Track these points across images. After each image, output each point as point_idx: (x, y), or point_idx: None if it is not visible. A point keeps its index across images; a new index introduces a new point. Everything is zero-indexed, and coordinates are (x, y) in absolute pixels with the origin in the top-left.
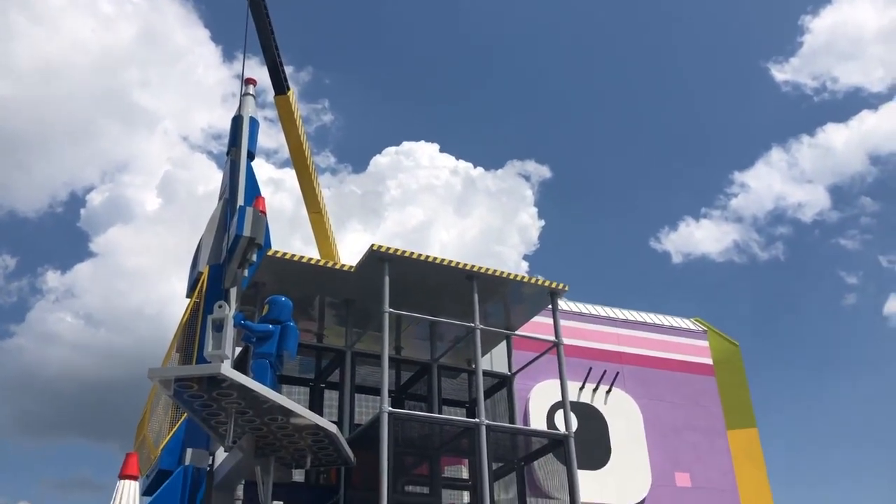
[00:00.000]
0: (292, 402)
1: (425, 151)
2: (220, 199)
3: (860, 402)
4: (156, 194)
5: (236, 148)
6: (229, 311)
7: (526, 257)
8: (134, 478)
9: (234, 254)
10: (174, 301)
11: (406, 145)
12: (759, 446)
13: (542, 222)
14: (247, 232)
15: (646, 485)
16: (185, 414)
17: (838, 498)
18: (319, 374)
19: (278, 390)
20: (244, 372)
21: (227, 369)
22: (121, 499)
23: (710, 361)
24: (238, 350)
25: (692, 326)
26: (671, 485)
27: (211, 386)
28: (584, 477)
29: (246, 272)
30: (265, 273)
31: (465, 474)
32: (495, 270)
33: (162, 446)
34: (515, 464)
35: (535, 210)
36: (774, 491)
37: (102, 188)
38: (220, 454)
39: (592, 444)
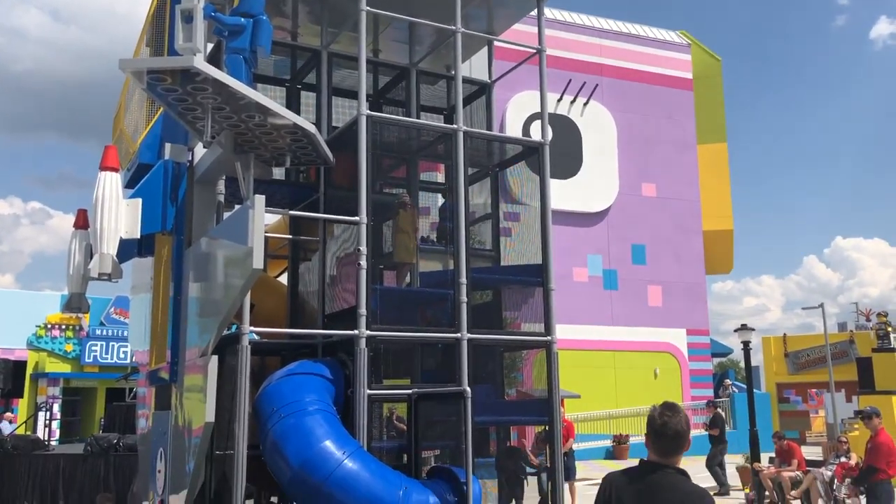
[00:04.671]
0: (270, 100)
1: None
2: None
3: (834, 122)
4: None
5: None
6: (198, 1)
7: None
8: (115, 169)
9: None
10: None
11: None
12: (727, 161)
13: None
14: None
15: (612, 194)
16: (161, 108)
17: (796, 209)
18: (295, 75)
19: (254, 88)
20: (218, 67)
21: (200, 62)
22: (103, 190)
23: (689, 76)
24: (210, 46)
25: (677, 39)
26: (637, 194)
27: (184, 80)
28: (555, 185)
29: None
30: None
31: (441, 178)
32: None
33: (140, 140)
34: (490, 170)
35: None
36: (735, 203)
37: None
38: (199, 150)
39: (565, 154)
